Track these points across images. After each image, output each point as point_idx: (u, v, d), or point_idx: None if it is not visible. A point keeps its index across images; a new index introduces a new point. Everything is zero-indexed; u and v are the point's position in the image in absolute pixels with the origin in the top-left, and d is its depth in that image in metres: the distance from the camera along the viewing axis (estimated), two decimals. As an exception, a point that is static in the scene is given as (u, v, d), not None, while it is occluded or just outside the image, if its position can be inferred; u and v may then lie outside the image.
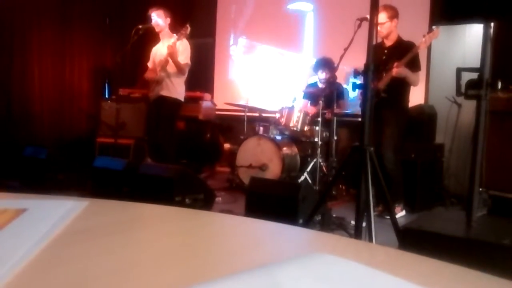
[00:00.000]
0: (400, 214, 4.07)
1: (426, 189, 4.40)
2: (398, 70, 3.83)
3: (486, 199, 2.91)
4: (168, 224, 0.80)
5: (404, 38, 4.11)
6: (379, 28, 3.91)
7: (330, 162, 4.83)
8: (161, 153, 4.74)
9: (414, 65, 3.96)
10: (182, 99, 4.90)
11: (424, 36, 3.86)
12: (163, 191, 3.42)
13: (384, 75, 3.94)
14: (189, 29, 4.54)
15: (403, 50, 3.94)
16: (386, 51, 4.10)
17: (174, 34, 4.76)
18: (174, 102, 4.80)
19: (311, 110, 5.13)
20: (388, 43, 4.12)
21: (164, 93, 4.75)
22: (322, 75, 5.18)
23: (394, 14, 4.05)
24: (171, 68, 4.71)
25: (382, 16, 3.95)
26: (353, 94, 5.37)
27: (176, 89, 4.79)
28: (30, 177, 4.48)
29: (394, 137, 4.01)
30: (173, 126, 5.01)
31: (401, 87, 4.01)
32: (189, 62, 4.76)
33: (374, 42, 2.45)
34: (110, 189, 3.80)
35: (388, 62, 3.96)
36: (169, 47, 4.53)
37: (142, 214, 0.85)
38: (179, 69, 4.70)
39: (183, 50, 4.69)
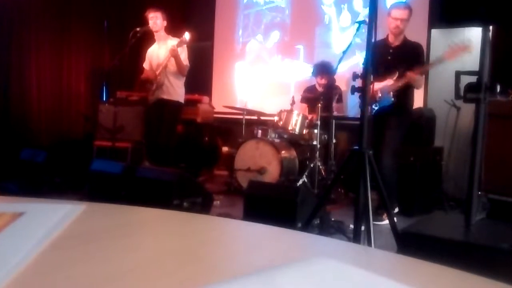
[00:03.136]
0: (386, 221, 3.65)
1: (424, 193, 4.40)
2: (413, 76, 3.80)
3: (485, 202, 2.90)
4: (166, 228, 0.79)
5: None
6: (399, 23, 3.91)
7: (329, 165, 4.83)
8: (161, 156, 4.75)
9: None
10: (183, 101, 4.96)
11: (451, 46, 3.73)
12: (161, 195, 3.41)
13: (394, 80, 3.91)
14: (189, 36, 4.55)
15: (409, 52, 3.93)
16: (391, 50, 4.05)
17: (170, 36, 4.77)
18: (176, 104, 4.86)
19: (309, 116, 5.13)
20: (395, 42, 4.05)
21: (165, 96, 4.79)
22: (321, 80, 5.16)
23: (411, 14, 4.04)
24: (170, 70, 4.73)
25: (406, 13, 3.94)
26: (352, 97, 5.36)
27: (177, 91, 4.83)
28: (27, 180, 4.47)
29: (394, 142, 3.99)
30: (175, 129, 5.03)
31: (408, 91, 4.02)
32: (188, 63, 4.78)
33: (374, 40, 2.43)
34: (108, 192, 3.78)
35: (395, 65, 3.92)
36: (172, 51, 4.55)
37: (140, 218, 0.85)
38: (181, 69, 4.73)
39: (182, 52, 4.71)
